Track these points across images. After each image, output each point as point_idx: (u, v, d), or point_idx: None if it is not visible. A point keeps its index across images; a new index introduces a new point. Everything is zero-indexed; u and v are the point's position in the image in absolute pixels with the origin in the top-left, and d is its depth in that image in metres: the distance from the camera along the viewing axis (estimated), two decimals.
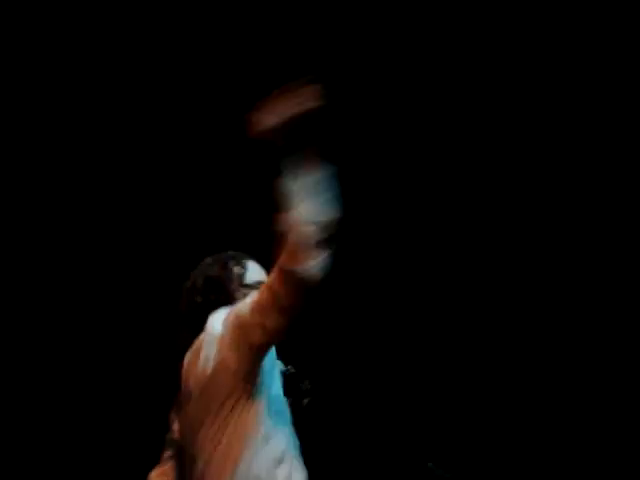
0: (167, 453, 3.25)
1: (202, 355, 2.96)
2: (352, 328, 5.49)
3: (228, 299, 3.08)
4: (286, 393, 3.08)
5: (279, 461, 2.96)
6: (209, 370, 2.93)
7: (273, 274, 2.84)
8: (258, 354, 2.91)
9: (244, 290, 3.11)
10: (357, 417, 5.44)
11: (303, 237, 2.80)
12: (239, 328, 2.89)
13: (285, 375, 3.12)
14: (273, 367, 3.03)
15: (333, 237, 2.85)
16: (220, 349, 2.91)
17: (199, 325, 3.03)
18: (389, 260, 5.57)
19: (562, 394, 5.40)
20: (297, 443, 3.05)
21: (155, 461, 3.29)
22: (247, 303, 2.90)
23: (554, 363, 5.43)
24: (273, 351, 3.00)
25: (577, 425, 5.37)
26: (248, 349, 2.89)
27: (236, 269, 3.14)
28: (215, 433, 2.93)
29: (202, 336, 3.00)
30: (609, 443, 5.33)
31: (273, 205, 2.86)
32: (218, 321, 2.97)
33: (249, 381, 2.93)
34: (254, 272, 3.17)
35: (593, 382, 5.39)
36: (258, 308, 2.85)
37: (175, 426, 3.17)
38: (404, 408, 5.47)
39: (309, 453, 3.05)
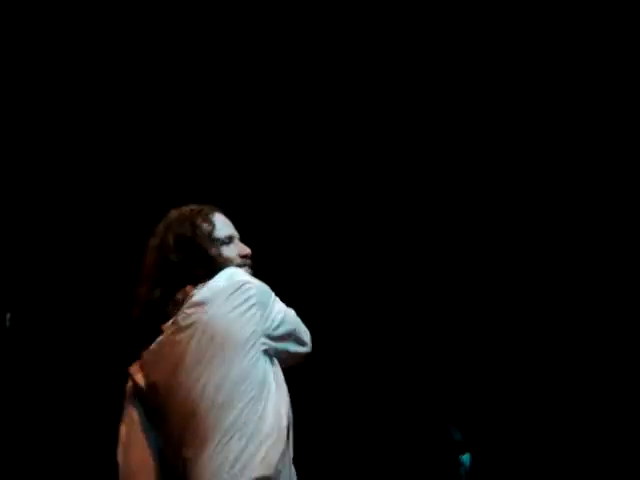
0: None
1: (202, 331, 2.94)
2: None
3: (201, 257, 3.07)
4: None
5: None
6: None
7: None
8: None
9: (214, 246, 3.11)
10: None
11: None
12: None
13: None
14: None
15: None
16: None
17: (174, 283, 3.05)
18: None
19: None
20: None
21: None
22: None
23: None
24: None
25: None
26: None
27: (205, 225, 3.13)
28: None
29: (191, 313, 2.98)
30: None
31: None
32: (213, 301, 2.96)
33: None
34: (222, 226, 3.17)
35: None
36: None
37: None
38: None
39: None
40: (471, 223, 5.60)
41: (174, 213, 3.18)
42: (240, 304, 2.98)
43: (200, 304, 2.97)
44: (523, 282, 5.51)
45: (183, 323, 2.98)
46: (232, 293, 2.98)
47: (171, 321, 3.00)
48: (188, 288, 3.04)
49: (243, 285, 3.00)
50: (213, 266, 3.06)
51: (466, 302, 5.55)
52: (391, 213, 5.63)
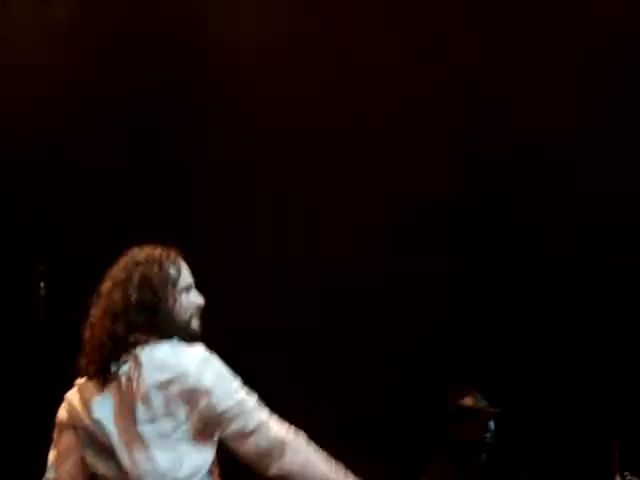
0: None
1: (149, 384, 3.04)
2: None
3: (159, 302, 3.12)
4: None
5: None
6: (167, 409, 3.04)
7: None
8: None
9: (175, 294, 3.15)
10: None
11: None
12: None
13: None
14: None
15: None
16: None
17: (123, 321, 3.10)
18: None
19: None
20: None
21: None
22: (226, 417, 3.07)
23: None
24: None
25: None
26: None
27: (172, 271, 3.17)
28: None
29: (141, 364, 3.06)
30: None
31: None
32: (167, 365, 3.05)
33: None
34: (186, 276, 3.21)
35: None
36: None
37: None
38: None
39: None
40: None
41: (143, 251, 3.21)
42: None
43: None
44: None
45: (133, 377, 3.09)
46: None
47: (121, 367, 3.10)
48: (140, 334, 3.11)
49: None
50: (169, 316, 3.13)
51: None
52: None
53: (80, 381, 3.21)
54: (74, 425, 3.18)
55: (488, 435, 4.78)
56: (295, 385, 5.37)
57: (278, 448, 3.07)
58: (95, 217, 5.60)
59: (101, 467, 3.14)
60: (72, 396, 3.22)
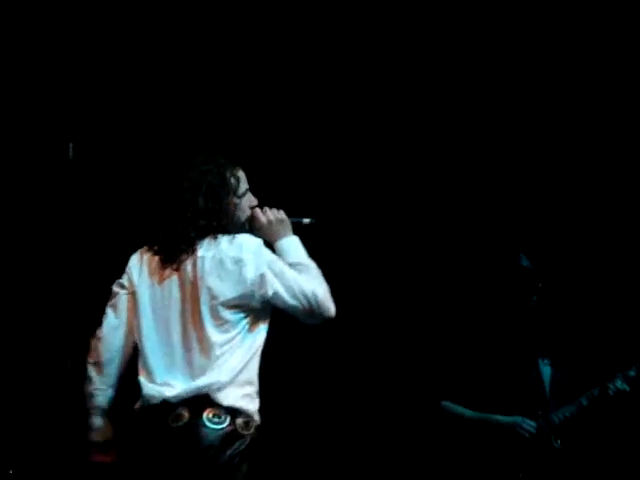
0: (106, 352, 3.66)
1: (211, 260, 3.52)
2: None
3: (221, 207, 3.61)
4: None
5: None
6: (242, 282, 3.51)
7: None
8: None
9: (236, 200, 3.65)
10: None
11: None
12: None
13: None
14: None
15: None
16: (245, 275, 3.50)
17: (194, 224, 3.57)
18: None
19: None
20: None
21: None
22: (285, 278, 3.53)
23: None
24: None
25: None
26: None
27: (232, 181, 3.64)
28: (225, 333, 3.51)
29: (230, 243, 3.54)
30: None
31: None
32: (253, 245, 3.55)
33: (261, 310, 3.57)
34: (243, 183, 3.69)
35: None
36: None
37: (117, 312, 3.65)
38: None
39: None
40: None
41: (206, 161, 3.67)
42: None
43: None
44: None
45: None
46: None
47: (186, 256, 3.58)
48: (204, 233, 3.57)
49: None
50: (228, 219, 3.63)
51: None
52: None
53: (147, 252, 3.69)
54: (133, 289, 3.63)
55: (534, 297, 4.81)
56: None
57: None
58: None
59: (149, 336, 3.56)
60: (135, 261, 3.69)
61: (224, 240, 3.54)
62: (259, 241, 3.56)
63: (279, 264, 3.54)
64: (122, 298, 3.64)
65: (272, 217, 3.65)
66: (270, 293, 3.50)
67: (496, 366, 4.74)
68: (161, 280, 3.57)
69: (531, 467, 4.64)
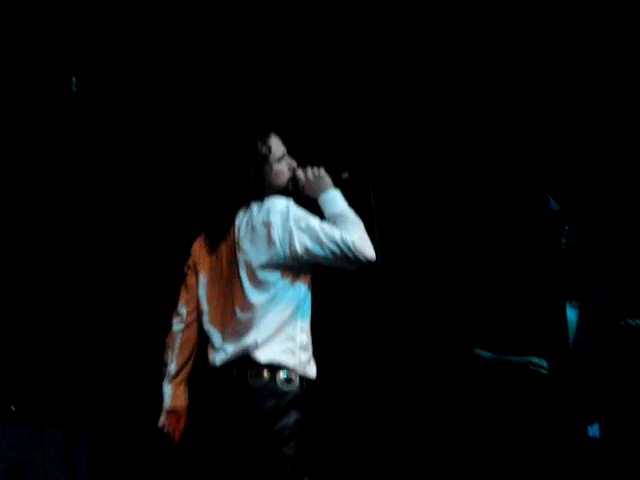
0: (178, 325, 3.93)
1: (261, 226, 3.73)
2: None
3: (257, 176, 3.83)
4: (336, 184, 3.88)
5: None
6: (272, 243, 3.71)
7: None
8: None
9: (272, 166, 3.85)
10: None
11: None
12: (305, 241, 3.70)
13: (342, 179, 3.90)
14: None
15: None
16: (285, 235, 3.70)
17: (227, 197, 3.82)
18: None
19: None
20: None
21: None
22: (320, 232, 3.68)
23: None
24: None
25: None
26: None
27: (264, 149, 3.84)
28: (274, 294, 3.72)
29: (260, 208, 3.77)
30: None
31: None
32: (280, 207, 3.75)
33: (298, 269, 3.76)
34: (277, 148, 3.89)
35: None
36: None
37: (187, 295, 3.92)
38: None
39: None
40: None
41: (235, 134, 3.89)
42: None
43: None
44: None
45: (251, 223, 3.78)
46: None
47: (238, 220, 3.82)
48: (247, 197, 3.82)
49: None
50: (266, 185, 3.84)
51: None
52: None
53: (204, 233, 3.94)
54: (197, 269, 3.91)
55: (563, 239, 4.76)
56: None
57: None
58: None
59: (210, 307, 3.84)
60: (196, 243, 3.96)
61: (255, 206, 3.78)
62: (286, 202, 3.76)
63: (306, 220, 3.70)
64: (189, 278, 3.93)
65: (311, 175, 3.85)
66: (299, 250, 3.68)
67: (521, 310, 4.77)
68: (215, 254, 3.85)
69: (544, 408, 4.64)
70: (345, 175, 3.91)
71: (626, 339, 4.64)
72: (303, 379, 3.71)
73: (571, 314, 4.75)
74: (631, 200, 5.58)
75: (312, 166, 3.88)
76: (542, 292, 4.77)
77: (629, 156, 5.59)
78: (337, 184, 3.87)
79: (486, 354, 4.76)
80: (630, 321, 4.59)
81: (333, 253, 3.66)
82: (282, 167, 3.88)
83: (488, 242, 5.55)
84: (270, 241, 3.71)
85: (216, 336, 3.78)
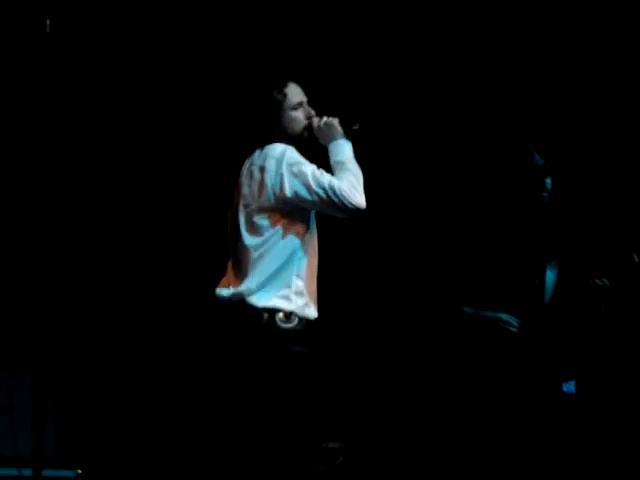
0: None
1: (268, 171, 3.82)
2: None
3: (271, 122, 3.93)
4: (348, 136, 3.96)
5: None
6: (264, 187, 3.81)
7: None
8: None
9: (287, 113, 3.93)
10: None
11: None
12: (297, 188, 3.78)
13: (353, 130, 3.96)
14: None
15: None
16: (277, 181, 3.79)
17: (260, 132, 3.94)
18: None
19: None
20: None
21: None
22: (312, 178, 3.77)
23: None
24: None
25: None
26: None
27: (278, 96, 3.93)
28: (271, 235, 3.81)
29: (260, 154, 3.89)
30: None
31: None
32: (276, 152, 3.84)
33: (294, 214, 3.84)
34: (293, 96, 3.96)
35: None
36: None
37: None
38: None
39: None
40: None
41: (252, 81, 4.04)
42: None
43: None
44: None
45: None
46: None
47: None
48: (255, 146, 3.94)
49: None
50: (281, 131, 3.94)
51: None
52: None
53: None
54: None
55: (545, 194, 4.74)
56: None
57: None
58: None
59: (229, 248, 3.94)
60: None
61: (257, 152, 3.91)
62: (283, 148, 3.86)
63: (299, 165, 3.80)
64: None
65: (322, 123, 3.93)
66: (288, 193, 3.77)
67: (499, 266, 4.77)
68: (233, 198, 3.96)
69: (517, 364, 4.66)
70: (355, 127, 3.97)
71: (593, 298, 4.65)
72: (302, 318, 3.82)
73: (551, 273, 4.75)
74: (622, 158, 5.54)
75: (328, 116, 3.96)
76: (521, 247, 4.77)
77: (620, 115, 5.55)
78: (349, 135, 3.94)
79: (468, 310, 4.77)
80: (597, 281, 4.60)
81: (320, 198, 3.76)
82: (298, 114, 3.97)
83: (470, 198, 5.54)
84: (263, 185, 3.81)
85: (229, 276, 3.91)
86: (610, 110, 5.58)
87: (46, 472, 4.29)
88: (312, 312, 3.87)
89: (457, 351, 4.92)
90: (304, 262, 3.87)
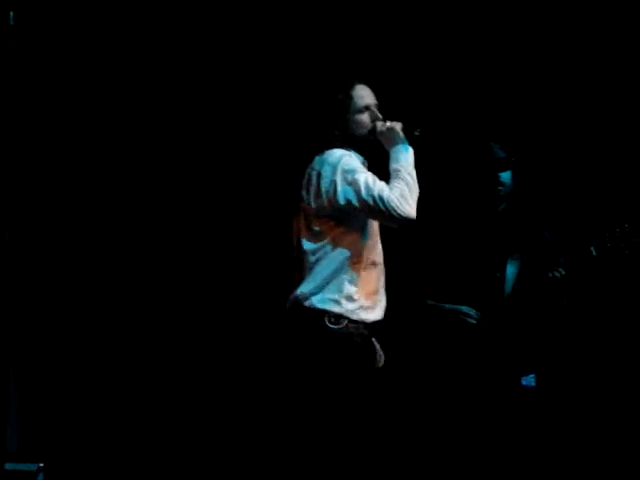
0: None
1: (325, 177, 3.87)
2: None
3: (337, 125, 3.97)
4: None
5: None
6: (319, 194, 3.87)
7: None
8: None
9: (349, 116, 3.97)
10: None
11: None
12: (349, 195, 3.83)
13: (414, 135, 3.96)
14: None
15: None
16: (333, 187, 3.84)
17: (323, 136, 3.98)
18: None
19: None
20: None
21: None
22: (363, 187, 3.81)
23: None
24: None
25: None
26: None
27: (345, 100, 3.96)
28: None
29: (319, 159, 3.93)
30: None
31: None
32: (333, 159, 3.88)
33: (351, 221, 3.90)
34: (359, 99, 4.00)
35: None
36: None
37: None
38: None
39: None
40: None
41: (325, 86, 4.07)
42: None
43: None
44: None
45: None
46: None
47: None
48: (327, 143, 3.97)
49: None
50: (347, 134, 3.97)
51: None
52: None
53: None
54: None
55: (501, 188, 4.78)
56: None
57: None
58: None
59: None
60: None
61: (317, 157, 3.94)
62: (340, 154, 3.90)
63: (353, 173, 3.83)
64: None
65: (385, 128, 3.94)
66: (341, 201, 3.82)
67: (459, 258, 4.83)
68: (297, 204, 4.01)
69: (475, 357, 4.71)
70: (417, 132, 3.97)
71: (554, 291, 4.70)
72: (356, 321, 3.89)
73: (512, 266, 4.79)
74: (582, 152, 5.58)
75: (392, 120, 3.98)
76: (481, 240, 4.82)
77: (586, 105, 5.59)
78: (411, 141, 3.95)
79: (430, 302, 4.81)
80: (557, 274, 4.65)
81: (369, 206, 3.80)
82: (363, 118, 4.00)
83: (431, 191, 5.56)
84: (319, 191, 3.87)
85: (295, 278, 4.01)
86: (571, 103, 5.60)
87: (8, 465, 4.31)
88: (369, 315, 3.92)
89: (419, 343, 4.95)
90: (359, 268, 3.91)
